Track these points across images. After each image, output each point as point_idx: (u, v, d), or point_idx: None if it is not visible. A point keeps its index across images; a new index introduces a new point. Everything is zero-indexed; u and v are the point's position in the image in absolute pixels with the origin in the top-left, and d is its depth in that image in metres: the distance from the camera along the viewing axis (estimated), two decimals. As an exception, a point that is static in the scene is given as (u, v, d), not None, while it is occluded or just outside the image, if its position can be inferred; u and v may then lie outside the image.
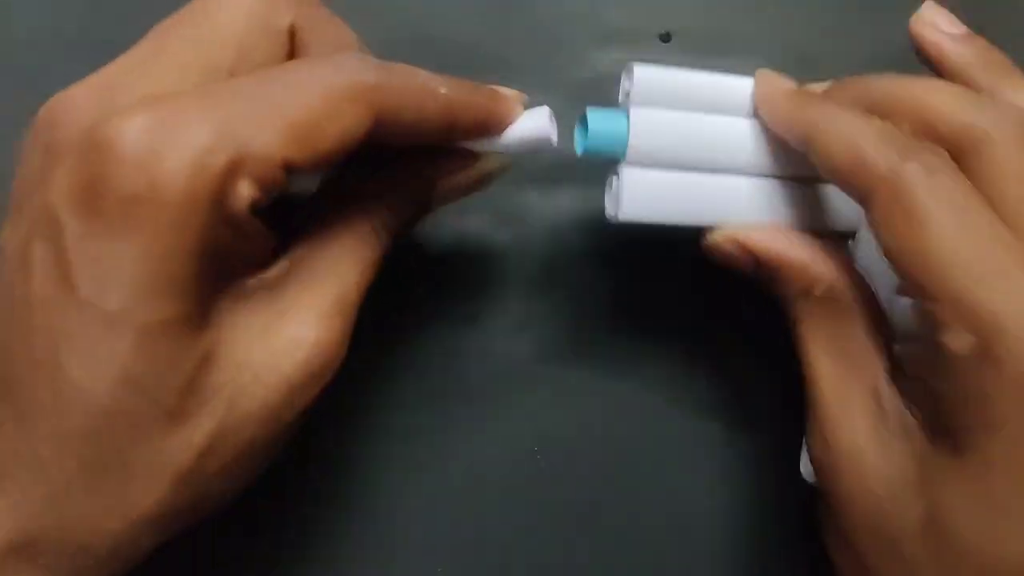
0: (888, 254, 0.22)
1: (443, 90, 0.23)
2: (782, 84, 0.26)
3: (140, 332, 0.19)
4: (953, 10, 0.28)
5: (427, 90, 0.22)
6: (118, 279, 0.19)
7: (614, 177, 0.26)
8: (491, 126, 0.24)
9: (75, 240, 0.19)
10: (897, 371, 0.23)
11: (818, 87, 0.27)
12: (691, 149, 0.25)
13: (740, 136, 0.26)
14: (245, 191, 0.20)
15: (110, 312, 0.19)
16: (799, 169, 0.26)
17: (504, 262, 0.31)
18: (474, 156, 0.25)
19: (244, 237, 0.21)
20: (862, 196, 0.22)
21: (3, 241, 0.21)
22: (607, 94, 0.31)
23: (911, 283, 0.21)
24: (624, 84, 0.26)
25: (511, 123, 0.24)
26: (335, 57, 0.22)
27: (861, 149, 0.22)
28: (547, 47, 0.31)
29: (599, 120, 0.25)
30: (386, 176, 0.24)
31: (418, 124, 0.22)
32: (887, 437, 0.23)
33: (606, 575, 0.31)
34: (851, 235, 0.27)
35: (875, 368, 0.24)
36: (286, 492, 0.30)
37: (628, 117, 0.25)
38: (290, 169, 0.20)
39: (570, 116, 0.31)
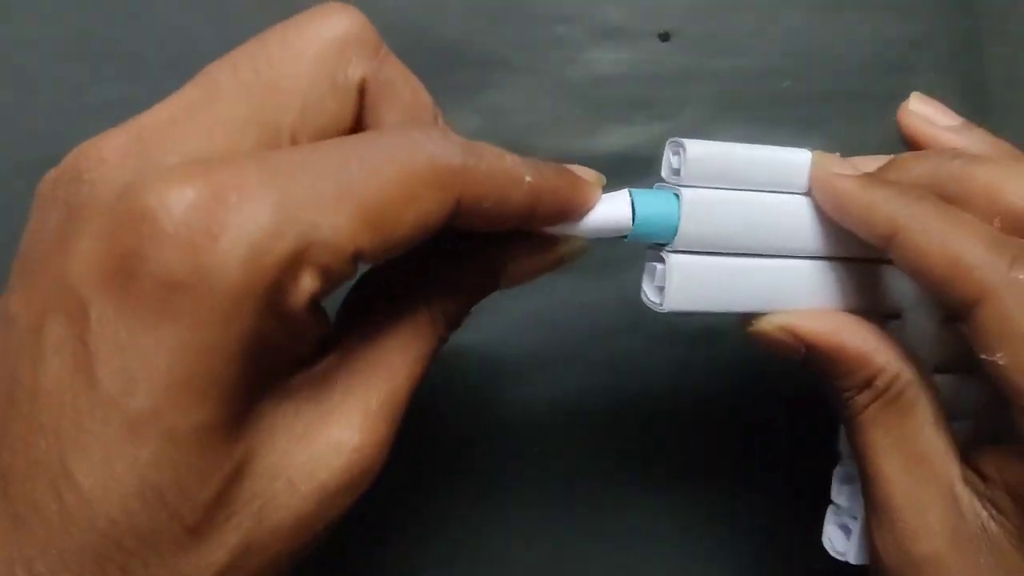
0: (992, 367, 0.20)
1: (528, 177, 0.20)
2: (843, 168, 0.23)
3: (166, 438, 0.16)
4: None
5: (513, 177, 0.19)
6: (148, 375, 0.16)
7: (655, 264, 0.23)
8: (571, 213, 0.21)
9: (101, 325, 0.16)
10: (971, 474, 0.22)
11: (867, 162, 0.25)
12: (743, 232, 0.23)
13: (794, 216, 0.24)
14: (307, 284, 0.17)
15: (134, 412, 0.16)
16: (851, 248, 0.24)
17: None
18: (550, 240, 0.22)
19: (297, 332, 0.18)
20: (962, 304, 0.21)
21: (11, 309, 0.18)
22: (605, 94, 0.31)
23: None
24: (670, 159, 0.23)
25: (591, 209, 0.22)
26: (415, 132, 0.19)
27: (962, 255, 0.20)
28: (545, 46, 0.30)
29: (647, 203, 0.22)
30: (452, 261, 0.22)
31: (499, 211, 0.19)
32: (970, 548, 0.21)
33: (602, 571, 0.32)
34: (896, 315, 0.25)
35: (949, 469, 0.22)
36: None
37: (679, 199, 0.23)
38: (359, 258, 0.18)
39: (572, 117, 0.31)
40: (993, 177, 0.22)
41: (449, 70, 0.30)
